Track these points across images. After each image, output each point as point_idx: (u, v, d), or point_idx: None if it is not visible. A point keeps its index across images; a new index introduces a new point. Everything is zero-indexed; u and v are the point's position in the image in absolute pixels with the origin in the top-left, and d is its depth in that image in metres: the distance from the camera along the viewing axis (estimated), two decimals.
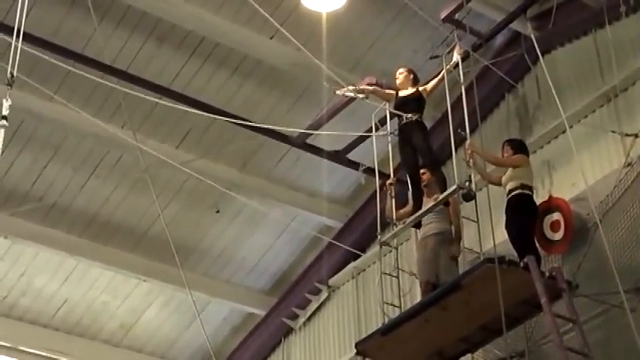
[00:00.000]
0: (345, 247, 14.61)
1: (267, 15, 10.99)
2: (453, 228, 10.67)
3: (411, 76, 11.53)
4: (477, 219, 9.97)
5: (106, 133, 12.95)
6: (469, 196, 9.96)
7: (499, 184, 10.43)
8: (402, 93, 11.41)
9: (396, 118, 11.41)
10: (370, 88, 11.70)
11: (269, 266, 15.88)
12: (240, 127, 13.34)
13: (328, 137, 13.66)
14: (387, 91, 11.64)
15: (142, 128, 13.54)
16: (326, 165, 14.36)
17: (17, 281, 15.16)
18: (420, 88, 11.36)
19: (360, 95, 11.57)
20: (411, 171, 11.09)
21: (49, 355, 15.85)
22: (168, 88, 13.05)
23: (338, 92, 11.66)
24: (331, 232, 15.26)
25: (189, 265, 15.22)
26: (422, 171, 10.92)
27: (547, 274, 9.74)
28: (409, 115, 11.00)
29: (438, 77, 11.19)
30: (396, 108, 11.30)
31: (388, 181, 11.20)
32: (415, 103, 11.18)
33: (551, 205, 10.84)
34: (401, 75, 11.57)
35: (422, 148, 10.94)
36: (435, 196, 10.56)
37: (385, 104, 11.60)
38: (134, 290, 15.66)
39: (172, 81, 13.25)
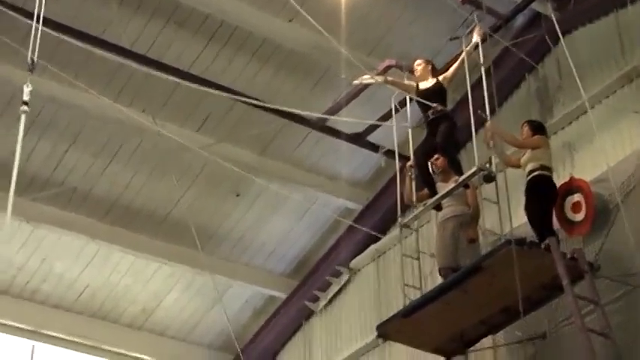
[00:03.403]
0: (366, 229, 14.57)
1: None
2: (470, 210, 10.71)
3: (429, 66, 11.51)
4: (498, 201, 9.96)
5: (126, 118, 12.96)
6: (490, 178, 9.97)
7: (519, 166, 10.42)
8: (422, 85, 11.38)
9: (420, 111, 11.38)
10: (389, 78, 11.63)
11: (290, 249, 15.96)
12: (259, 111, 13.37)
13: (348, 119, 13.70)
14: (407, 82, 11.58)
15: (161, 113, 13.58)
16: (346, 148, 14.36)
17: (39, 266, 15.27)
18: (440, 78, 11.33)
19: (379, 79, 11.56)
20: (419, 159, 11.15)
21: (71, 338, 15.98)
22: (187, 72, 13.09)
23: (355, 82, 11.75)
24: (352, 214, 15.29)
25: (210, 248, 15.31)
26: (436, 156, 10.92)
27: (568, 255, 9.76)
28: (435, 106, 10.96)
29: (457, 63, 11.16)
30: (418, 101, 11.25)
31: (408, 164, 11.22)
32: (438, 95, 11.15)
33: (572, 186, 10.77)
34: (419, 67, 11.52)
35: (440, 136, 10.92)
36: (455, 178, 10.57)
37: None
38: (155, 274, 15.77)
39: (191, 65, 13.28)
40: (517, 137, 10.69)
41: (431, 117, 11.04)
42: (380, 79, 11.63)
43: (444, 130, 10.91)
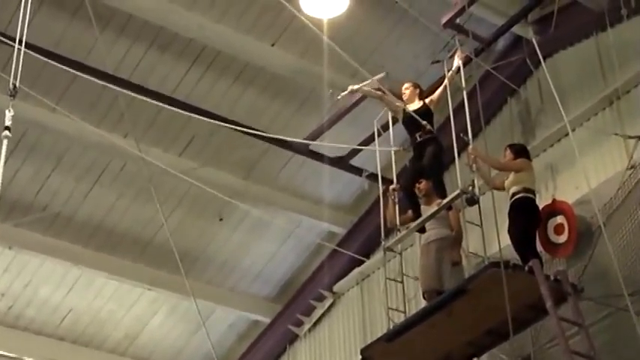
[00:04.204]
0: (350, 253, 14.63)
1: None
2: (454, 233, 10.71)
3: (417, 90, 11.53)
4: (481, 223, 9.97)
5: (109, 143, 13.00)
6: (473, 201, 9.98)
7: (502, 188, 10.44)
8: (410, 107, 11.36)
9: (404, 134, 11.44)
10: (378, 93, 11.62)
11: (274, 273, 15.92)
12: (243, 135, 13.35)
13: (334, 141, 13.60)
14: (397, 102, 11.55)
15: (144, 137, 13.57)
16: (329, 171, 14.37)
17: (22, 291, 15.21)
18: (427, 101, 11.37)
19: (365, 88, 11.58)
20: (406, 182, 11.16)
21: None
22: (170, 97, 13.09)
23: (342, 95, 11.73)
24: (335, 238, 15.28)
25: (194, 273, 15.26)
26: (420, 181, 10.92)
27: (552, 277, 9.74)
28: (425, 124, 10.96)
29: (441, 87, 11.22)
30: (405, 123, 11.29)
31: (391, 187, 11.22)
32: (425, 117, 11.15)
33: (554, 208, 10.83)
34: (407, 90, 11.56)
35: (427, 159, 10.95)
36: (438, 201, 10.59)
37: (386, 110, 11.67)
38: (139, 299, 15.70)
39: (174, 90, 13.28)
40: (500, 160, 10.74)
41: (419, 139, 11.05)
42: (373, 90, 11.62)
43: (432, 153, 10.92)
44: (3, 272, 14.75)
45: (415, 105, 11.35)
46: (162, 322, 16.09)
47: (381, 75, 11.77)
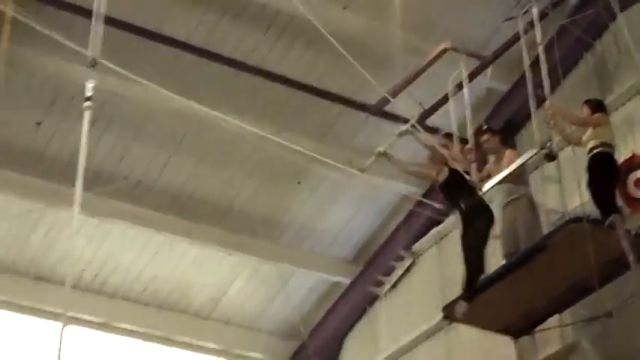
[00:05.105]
0: (428, 213, 14.48)
1: None
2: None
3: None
4: (560, 179, 9.93)
5: (187, 110, 13.15)
6: (551, 157, 9.87)
7: (580, 144, 10.35)
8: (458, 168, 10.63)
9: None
10: (437, 147, 11.09)
11: (352, 235, 16.01)
12: (318, 99, 13.50)
13: (406, 104, 13.41)
14: (453, 157, 10.85)
15: (221, 104, 13.67)
16: None
17: (107, 259, 15.51)
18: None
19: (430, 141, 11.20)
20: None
21: (141, 330, 16.21)
22: (245, 63, 13.20)
23: (400, 131, 11.48)
24: (413, 199, 15.07)
25: (273, 237, 15.48)
26: (485, 137, 10.91)
27: (633, 232, 9.66)
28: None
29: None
30: (446, 187, 10.84)
31: (467, 147, 11.10)
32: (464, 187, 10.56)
33: (634, 162, 10.66)
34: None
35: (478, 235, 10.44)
36: (509, 156, 10.57)
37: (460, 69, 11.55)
38: (220, 264, 15.94)
39: (249, 56, 13.38)
40: (577, 116, 10.62)
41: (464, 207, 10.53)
42: (427, 141, 11.20)
43: (482, 229, 10.45)
44: (88, 241, 14.99)
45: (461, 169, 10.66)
46: (244, 286, 16.29)
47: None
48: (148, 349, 16.37)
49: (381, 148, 11.58)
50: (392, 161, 11.62)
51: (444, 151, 10.90)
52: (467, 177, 10.50)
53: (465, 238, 10.60)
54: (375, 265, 15.91)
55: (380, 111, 13.95)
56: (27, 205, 14.29)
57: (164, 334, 16.35)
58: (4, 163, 13.93)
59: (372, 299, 15.87)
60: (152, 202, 14.86)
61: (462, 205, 10.58)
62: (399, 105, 13.48)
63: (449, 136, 11.32)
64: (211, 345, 16.70)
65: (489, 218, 10.49)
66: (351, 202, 15.57)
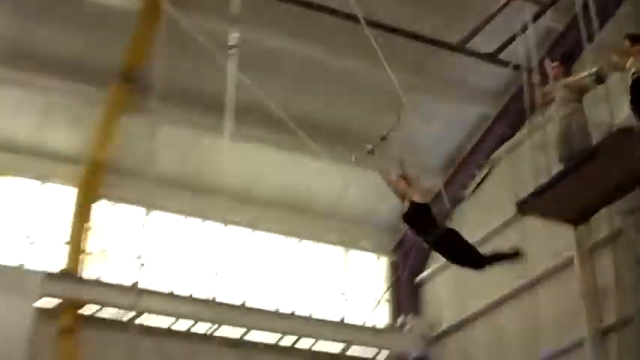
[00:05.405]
0: (502, 128, 15.19)
1: None
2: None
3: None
4: (608, 98, 10.22)
5: (315, 55, 14.02)
6: (601, 80, 10.25)
7: (624, 70, 10.45)
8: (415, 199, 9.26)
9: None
10: (393, 180, 9.77)
11: (441, 147, 16.45)
12: (411, 40, 14.05)
13: (483, 41, 14.02)
14: (405, 190, 9.47)
15: (339, 49, 14.31)
16: (483, 65, 14.78)
17: (253, 174, 16.27)
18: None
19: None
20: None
21: (281, 229, 16.99)
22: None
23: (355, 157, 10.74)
24: (489, 118, 15.83)
25: (380, 151, 15.87)
26: (553, 64, 10.77)
27: None
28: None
29: None
30: (408, 219, 9.45)
31: (534, 77, 11.26)
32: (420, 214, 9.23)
33: None
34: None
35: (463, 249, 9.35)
36: (566, 80, 10.65)
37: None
38: (339, 175, 16.22)
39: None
40: (624, 49, 10.59)
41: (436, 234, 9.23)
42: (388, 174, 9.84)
43: (457, 246, 9.31)
44: (238, 162, 15.44)
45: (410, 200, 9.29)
46: (356, 192, 16.85)
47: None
48: (286, 244, 17.07)
49: (369, 146, 10.61)
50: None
51: (401, 185, 9.49)
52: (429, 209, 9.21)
53: (453, 258, 9.58)
54: (461, 171, 16.32)
55: (463, 48, 14.38)
56: (190, 134, 15.14)
57: (298, 232, 17.08)
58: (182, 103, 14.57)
59: (458, 201, 16.17)
60: (286, 128, 14.73)
61: (429, 239, 9.32)
62: (476, 44, 14.09)
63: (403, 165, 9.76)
64: (332, 238, 17.31)
65: (456, 236, 9.35)
66: (442, 121, 15.99)
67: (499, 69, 14.81)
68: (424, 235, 9.24)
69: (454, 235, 9.27)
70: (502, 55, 14.45)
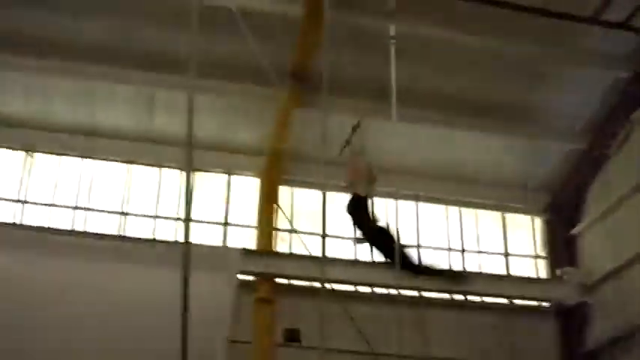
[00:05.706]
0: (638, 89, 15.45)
1: None
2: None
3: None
4: None
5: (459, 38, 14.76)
6: None
7: None
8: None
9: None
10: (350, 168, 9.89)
11: (582, 112, 16.86)
12: (539, 16, 14.50)
13: (616, 11, 14.51)
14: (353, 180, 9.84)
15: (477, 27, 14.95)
16: (613, 32, 15.12)
17: (404, 153, 16.84)
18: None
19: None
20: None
21: (430, 195, 17.63)
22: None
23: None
24: (624, 81, 16.12)
25: (525, 119, 16.67)
26: None
27: None
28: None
29: None
30: (349, 210, 9.58)
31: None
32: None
33: None
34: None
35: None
36: None
37: None
38: (486, 143, 17.11)
39: None
40: None
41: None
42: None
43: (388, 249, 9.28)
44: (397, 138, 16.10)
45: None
46: (508, 157, 17.30)
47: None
48: (448, 213, 17.78)
49: (347, 138, 10.47)
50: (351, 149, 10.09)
51: (349, 172, 9.41)
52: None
53: (388, 257, 9.51)
54: (603, 132, 16.60)
55: (594, 19, 14.93)
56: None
57: (460, 201, 17.74)
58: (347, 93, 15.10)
59: (603, 160, 16.55)
60: (443, 107, 16.15)
61: (365, 234, 9.34)
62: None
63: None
64: (487, 202, 17.89)
65: (387, 236, 9.42)
66: (578, 86, 16.36)
67: (629, 34, 15.22)
68: (360, 229, 9.35)
69: (385, 235, 9.36)
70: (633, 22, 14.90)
